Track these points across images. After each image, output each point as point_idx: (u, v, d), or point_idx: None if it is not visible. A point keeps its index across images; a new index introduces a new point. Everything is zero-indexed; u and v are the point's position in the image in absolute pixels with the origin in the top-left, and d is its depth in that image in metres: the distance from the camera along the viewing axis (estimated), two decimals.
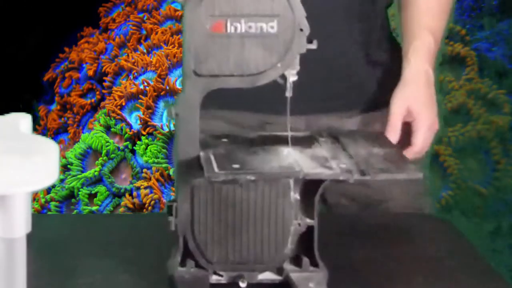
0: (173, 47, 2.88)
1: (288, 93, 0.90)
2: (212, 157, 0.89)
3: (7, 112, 0.94)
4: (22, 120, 0.96)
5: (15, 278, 0.88)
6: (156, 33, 3.01)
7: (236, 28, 0.89)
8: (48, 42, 3.53)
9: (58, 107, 3.29)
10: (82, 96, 3.20)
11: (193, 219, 0.91)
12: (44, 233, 1.04)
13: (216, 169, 0.87)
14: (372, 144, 0.94)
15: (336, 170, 0.87)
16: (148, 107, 2.71)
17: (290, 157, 0.90)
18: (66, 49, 3.42)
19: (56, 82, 3.35)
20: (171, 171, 2.51)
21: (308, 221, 0.91)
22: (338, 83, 1.28)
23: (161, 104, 2.73)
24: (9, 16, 3.48)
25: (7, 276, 0.88)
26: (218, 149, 0.92)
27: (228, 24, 0.89)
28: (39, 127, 3.28)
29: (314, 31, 1.16)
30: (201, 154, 0.90)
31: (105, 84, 3.06)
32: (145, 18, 3.16)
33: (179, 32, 2.95)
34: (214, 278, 0.92)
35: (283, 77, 0.90)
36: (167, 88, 2.71)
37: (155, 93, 2.73)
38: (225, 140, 0.95)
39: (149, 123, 2.68)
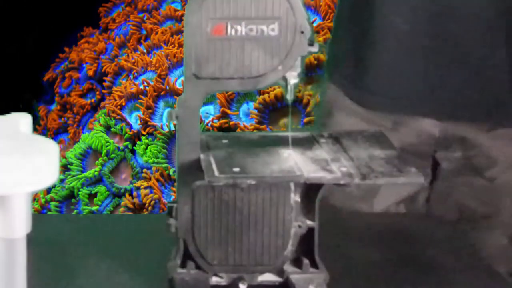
0: (173, 47, 2.89)
1: (289, 96, 0.90)
2: (213, 160, 0.89)
3: (7, 112, 0.94)
4: (22, 120, 0.96)
5: (15, 278, 0.88)
6: (156, 33, 3.01)
7: (236, 31, 0.89)
8: (48, 42, 3.53)
9: (58, 107, 3.30)
10: (82, 96, 3.20)
11: (194, 222, 0.91)
12: (44, 233, 1.04)
13: (216, 173, 0.87)
14: (373, 145, 0.94)
15: (337, 173, 0.87)
16: (148, 107, 2.71)
17: (290, 159, 0.90)
18: (66, 49, 3.43)
19: (56, 82, 3.36)
20: (171, 171, 2.52)
21: (309, 222, 0.91)
22: (482, 94, 1.27)
23: (161, 104, 2.74)
24: (9, 16, 3.48)
25: (7, 276, 0.88)
26: (219, 151, 0.92)
27: (229, 27, 0.89)
28: (39, 127, 3.29)
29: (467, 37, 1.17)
30: (202, 156, 0.90)
31: (105, 84, 3.07)
32: (145, 18, 3.17)
33: (179, 32, 2.96)
34: (214, 280, 0.92)
35: (284, 79, 0.90)
36: (167, 88, 2.72)
37: (155, 93, 2.73)
38: (225, 141, 0.95)
39: (149, 123, 2.69)
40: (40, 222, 0.94)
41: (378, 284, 0.98)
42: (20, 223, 0.88)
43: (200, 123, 2.50)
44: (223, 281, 0.92)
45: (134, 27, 3.14)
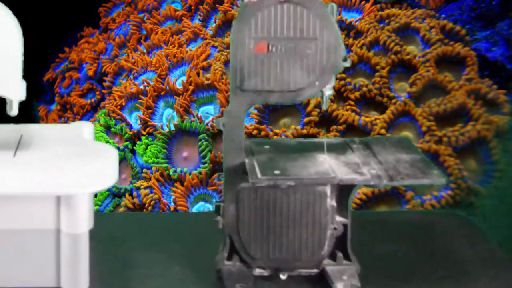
0: (173, 47, 2.86)
1: (325, 106, 1.00)
2: (256, 164, 0.99)
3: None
4: (86, 128, 1.05)
5: (79, 268, 0.98)
6: (156, 33, 2.99)
7: (277, 49, 0.99)
8: (48, 42, 3.52)
9: (58, 107, 3.27)
10: (82, 96, 3.17)
11: (238, 220, 1.00)
12: (102, 229, 1.10)
13: (259, 175, 0.97)
14: (399, 150, 1.04)
15: (367, 175, 0.97)
16: (148, 107, 2.69)
17: (325, 163, 1.00)
18: (66, 49, 3.40)
19: (56, 82, 3.33)
20: (171, 171, 2.49)
21: (342, 219, 1.01)
22: None
23: (161, 104, 2.71)
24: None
25: (73, 266, 0.97)
26: (261, 156, 1.02)
27: (270, 45, 0.99)
28: None
29: None
30: (246, 161, 1.00)
31: (105, 84, 3.04)
32: (145, 18, 3.14)
33: (179, 32, 2.95)
34: (257, 271, 1.02)
35: (320, 92, 1.00)
36: (167, 88, 2.70)
37: (155, 93, 2.70)
38: (267, 146, 1.05)
39: (149, 123, 2.67)
40: (100, 219, 1.03)
41: (404, 275, 1.06)
42: (83, 220, 0.97)
43: (200, 123, 2.51)
44: (265, 272, 1.02)
45: (134, 27, 3.11)
